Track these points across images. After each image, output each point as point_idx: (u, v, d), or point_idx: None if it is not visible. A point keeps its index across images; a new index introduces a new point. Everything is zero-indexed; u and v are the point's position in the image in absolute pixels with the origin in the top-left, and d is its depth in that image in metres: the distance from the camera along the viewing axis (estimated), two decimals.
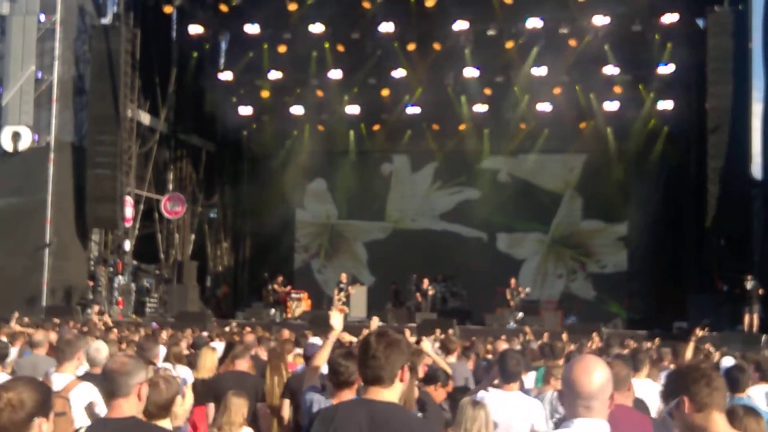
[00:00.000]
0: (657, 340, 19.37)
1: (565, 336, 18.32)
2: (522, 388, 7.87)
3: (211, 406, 8.69)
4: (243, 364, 9.73)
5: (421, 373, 8.53)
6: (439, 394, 8.08)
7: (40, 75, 27.53)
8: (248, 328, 17.94)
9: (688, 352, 11.73)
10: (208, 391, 9.23)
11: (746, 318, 24.32)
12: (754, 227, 26.46)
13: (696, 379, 4.07)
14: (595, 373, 3.76)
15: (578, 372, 3.78)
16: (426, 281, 28.86)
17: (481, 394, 7.64)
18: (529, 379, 9.36)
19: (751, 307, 24.27)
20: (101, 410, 6.66)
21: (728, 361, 11.15)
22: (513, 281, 28.40)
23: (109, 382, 4.54)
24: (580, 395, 3.73)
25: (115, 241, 29.11)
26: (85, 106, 28.34)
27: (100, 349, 7.85)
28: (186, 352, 11.74)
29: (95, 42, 28.19)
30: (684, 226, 29.98)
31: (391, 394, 4.22)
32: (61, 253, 27.13)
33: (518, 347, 14.25)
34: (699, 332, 15.23)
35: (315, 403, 6.50)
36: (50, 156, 27.20)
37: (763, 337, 22.59)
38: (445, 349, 10.74)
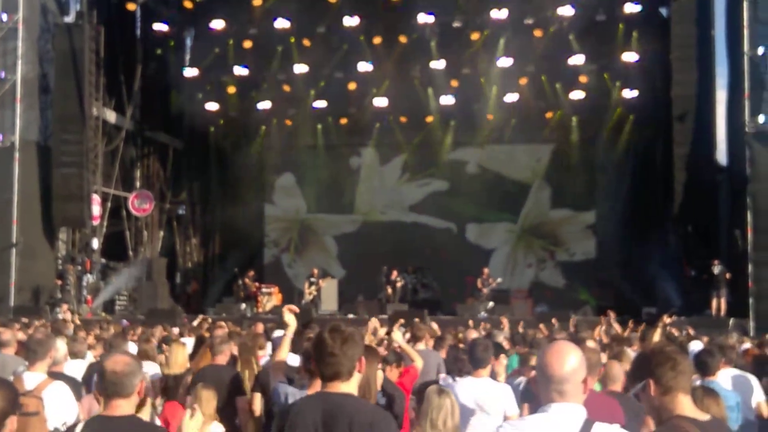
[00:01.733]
0: (630, 325, 19.49)
1: (542, 326, 18.41)
2: (491, 375, 8.00)
3: (189, 400, 8.67)
4: (221, 359, 9.70)
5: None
6: (393, 374, 8.26)
7: (3, 75, 27.28)
8: (221, 323, 17.88)
9: (655, 337, 11.87)
10: (190, 386, 9.22)
11: (714, 302, 24.58)
12: (720, 213, 26.72)
13: (661, 363, 4.14)
14: (567, 357, 3.80)
15: (551, 356, 3.82)
16: (395, 272, 28.94)
17: (447, 382, 7.75)
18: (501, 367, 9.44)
19: (719, 291, 24.53)
20: (73, 409, 6.67)
21: (696, 346, 11.27)
22: (485, 271, 28.54)
23: (111, 384, 4.56)
24: (552, 379, 3.77)
25: (82, 239, 28.93)
26: (49, 105, 28.12)
27: (59, 348, 7.83)
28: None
29: (59, 40, 27.97)
30: (651, 213, 30.23)
31: (348, 386, 4.33)
32: (29, 252, 26.90)
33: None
34: (666, 319, 15.39)
35: (290, 396, 6.57)
36: (15, 155, 26.95)
37: (731, 321, 22.85)
38: (414, 337, 10.82)
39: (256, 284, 30.14)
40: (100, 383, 4.64)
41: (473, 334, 13.30)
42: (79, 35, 27.66)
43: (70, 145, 27.47)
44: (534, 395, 5.42)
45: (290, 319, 6.66)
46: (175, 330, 17.85)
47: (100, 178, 29.10)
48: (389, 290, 28.75)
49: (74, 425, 4.64)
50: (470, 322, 19.48)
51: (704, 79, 26.12)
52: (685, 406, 4.13)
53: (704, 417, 4.24)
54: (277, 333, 11.82)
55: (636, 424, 5.74)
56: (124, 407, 4.55)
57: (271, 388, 7.83)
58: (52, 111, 28.02)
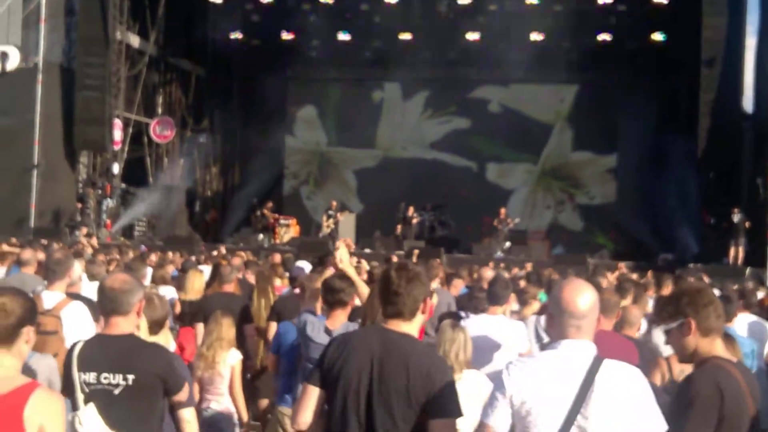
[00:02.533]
0: (650, 273, 19.46)
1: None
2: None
3: (200, 326, 8.77)
4: (229, 287, 9.81)
5: None
6: None
7: None
8: (239, 252, 18.01)
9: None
10: (196, 312, 9.32)
11: (732, 251, 24.49)
12: (743, 161, 26.50)
13: (705, 304, 4.13)
14: (585, 293, 3.83)
15: (570, 292, 3.83)
16: (411, 209, 28.92)
17: (463, 318, 7.79)
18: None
19: (737, 240, 24.43)
20: (91, 329, 6.73)
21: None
22: (503, 211, 28.52)
23: (109, 301, 4.59)
24: (573, 315, 3.78)
25: (103, 164, 29.01)
26: (73, 27, 27.95)
27: (75, 269, 7.89)
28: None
29: None
30: (673, 159, 29.98)
31: (409, 327, 4.25)
32: (50, 174, 27.02)
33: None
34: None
35: (309, 324, 6.71)
36: (38, 77, 26.89)
37: (748, 270, 22.78)
38: (428, 275, 10.82)
39: (275, 215, 30.24)
40: (100, 301, 4.66)
41: (488, 273, 13.30)
42: None
43: (93, 69, 27.38)
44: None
45: (343, 255, 6.51)
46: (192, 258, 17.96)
47: (122, 102, 29.06)
48: (399, 228, 28.80)
49: (75, 344, 4.69)
50: (490, 264, 19.43)
51: (734, 24, 25.70)
52: (720, 348, 4.15)
53: (734, 359, 4.26)
54: (299, 263, 11.88)
55: (647, 369, 5.76)
56: (122, 325, 4.58)
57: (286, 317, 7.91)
58: (77, 33, 27.86)
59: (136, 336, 4.73)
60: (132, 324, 4.65)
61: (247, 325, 9.33)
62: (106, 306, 4.61)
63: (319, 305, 7.06)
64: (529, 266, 19.76)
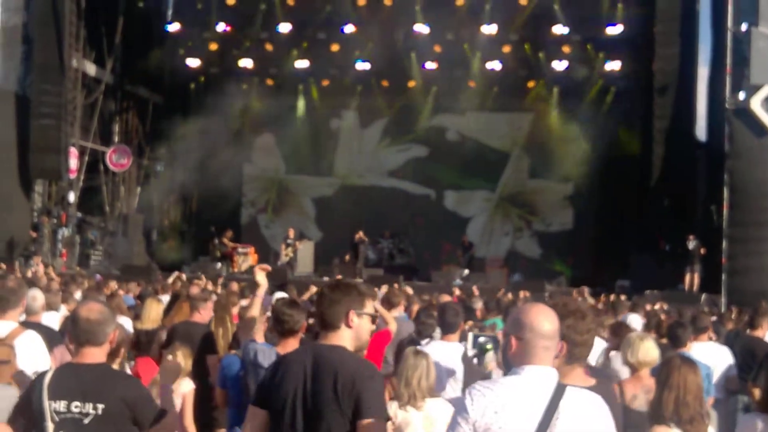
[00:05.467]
0: (602, 298, 19.65)
1: (522, 293, 18.53)
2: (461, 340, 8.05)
3: (163, 355, 8.68)
4: (199, 316, 9.64)
5: None
6: None
7: None
8: (198, 280, 17.90)
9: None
10: (151, 342, 9.22)
11: (687, 277, 24.80)
12: (697, 188, 26.89)
13: None
14: (551, 315, 3.89)
15: (537, 314, 3.87)
16: (360, 234, 28.89)
17: (424, 345, 7.81)
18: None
19: (692, 266, 24.76)
20: (45, 359, 6.64)
21: (634, 319, 11.09)
22: (465, 238, 28.82)
23: (84, 331, 4.56)
24: (545, 335, 3.81)
25: (59, 192, 28.76)
26: (29, 55, 27.74)
27: (37, 297, 7.80)
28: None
29: None
30: (629, 186, 30.32)
31: (338, 338, 4.37)
32: (4, 203, 26.65)
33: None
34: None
35: (260, 353, 6.65)
36: None
37: (703, 296, 23.05)
38: (389, 303, 10.79)
39: (233, 244, 30.09)
40: (73, 330, 4.63)
41: (446, 299, 13.34)
42: None
43: (49, 96, 27.16)
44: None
45: (261, 279, 6.74)
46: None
47: (78, 131, 28.85)
48: (348, 256, 28.90)
49: (45, 372, 4.64)
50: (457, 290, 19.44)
51: (687, 53, 26.19)
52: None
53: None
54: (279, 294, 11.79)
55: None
56: (95, 355, 4.56)
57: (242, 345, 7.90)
58: (32, 61, 27.66)
59: (109, 365, 4.70)
60: (104, 353, 4.64)
61: (210, 355, 9.24)
62: (80, 336, 4.58)
63: (259, 334, 7.02)
64: (476, 293, 19.78)
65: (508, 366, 3.89)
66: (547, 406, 3.67)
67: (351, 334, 4.42)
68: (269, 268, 7.19)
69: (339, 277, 24.95)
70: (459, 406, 3.80)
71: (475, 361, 7.22)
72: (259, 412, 4.36)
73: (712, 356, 8.93)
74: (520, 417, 3.68)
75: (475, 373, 6.99)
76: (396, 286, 14.98)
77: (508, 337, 3.90)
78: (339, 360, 4.25)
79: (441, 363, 7.01)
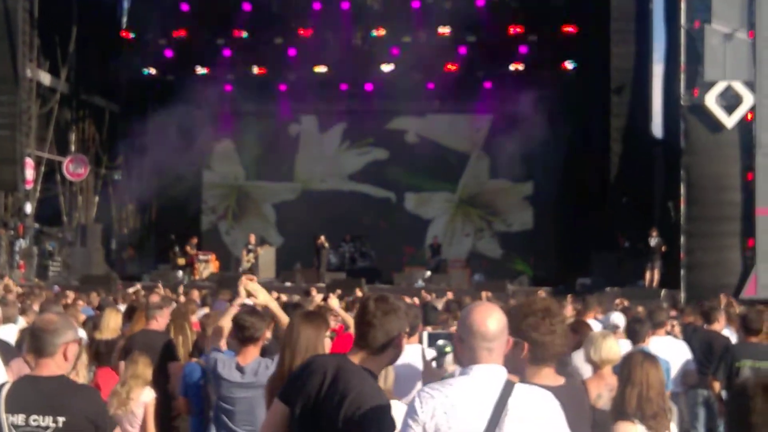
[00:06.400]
0: (569, 298, 19.65)
1: (484, 294, 18.56)
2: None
3: (122, 365, 8.60)
4: (156, 324, 9.56)
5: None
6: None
7: None
8: (157, 289, 17.76)
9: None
10: (111, 352, 9.14)
11: (647, 274, 25.01)
12: (655, 185, 27.14)
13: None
14: (495, 316, 3.84)
15: (479, 315, 3.84)
16: (322, 238, 28.84)
17: None
18: None
19: (653, 262, 24.98)
20: (1, 372, 6.55)
21: (617, 317, 11.19)
22: (435, 240, 29.10)
23: (35, 341, 4.50)
24: (485, 337, 3.78)
25: (15, 203, 28.37)
26: None
27: None
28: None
29: None
30: (588, 185, 30.51)
31: (371, 361, 4.23)
32: None
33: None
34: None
35: (219, 362, 6.60)
36: None
37: (663, 292, 23.25)
38: (354, 307, 10.80)
39: (194, 251, 29.92)
40: (27, 341, 4.59)
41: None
42: None
43: (3, 107, 26.81)
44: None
45: (243, 291, 6.59)
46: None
47: (33, 141, 28.53)
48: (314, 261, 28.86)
49: (1, 385, 4.57)
50: (430, 295, 19.47)
51: (642, 51, 26.47)
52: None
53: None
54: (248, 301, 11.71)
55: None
56: (51, 367, 4.49)
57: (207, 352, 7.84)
58: None
59: (67, 377, 4.63)
60: (60, 365, 4.54)
61: (172, 363, 9.16)
62: (31, 345, 4.53)
63: (223, 342, 6.96)
64: (450, 294, 19.82)
65: (461, 366, 3.90)
66: (496, 404, 3.67)
67: (389, 356, 4.30)
68: (255, 278, 7.10)
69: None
70: (409, 409, 3.79)
71: (434, 364, 7.23)
72: (280, 406, 4.29)
73: (669, 350, 9.00)
74: (469, 416, 3.67)
75: (434, 374, 6.99)
76: (358, 290, 14.94)
77: (457, 336, 3.92)
78: (354, 387, 4.09)
79: (402, 366, 6.99)
